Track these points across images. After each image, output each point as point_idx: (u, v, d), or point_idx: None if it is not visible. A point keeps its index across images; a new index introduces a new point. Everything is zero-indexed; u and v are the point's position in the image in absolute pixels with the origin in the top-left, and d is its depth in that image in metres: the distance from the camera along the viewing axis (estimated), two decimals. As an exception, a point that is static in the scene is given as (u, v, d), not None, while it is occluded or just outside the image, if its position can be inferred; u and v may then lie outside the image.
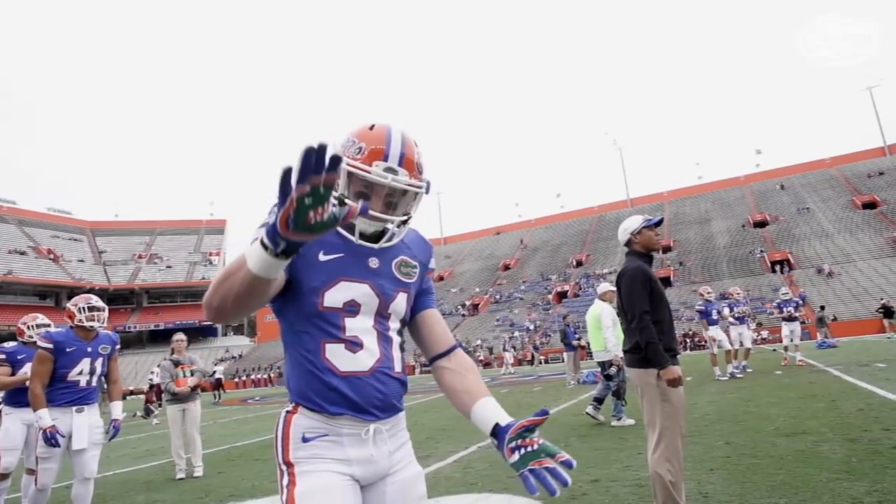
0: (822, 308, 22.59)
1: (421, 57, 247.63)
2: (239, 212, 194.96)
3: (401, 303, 1.43)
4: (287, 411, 1.36)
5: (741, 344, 11.74)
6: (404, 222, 1.40)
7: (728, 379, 10.70)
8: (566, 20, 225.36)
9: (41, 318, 4.84)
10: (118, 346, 4.19)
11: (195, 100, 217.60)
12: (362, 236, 1.37)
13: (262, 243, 1.03)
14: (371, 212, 1.32)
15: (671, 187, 65.11)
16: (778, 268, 39.67)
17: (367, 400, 1.32)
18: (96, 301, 4.00)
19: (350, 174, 1.33)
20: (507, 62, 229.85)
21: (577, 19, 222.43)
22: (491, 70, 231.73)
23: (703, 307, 11.63)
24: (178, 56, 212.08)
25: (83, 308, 3.90)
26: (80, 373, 3.87)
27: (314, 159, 0.90)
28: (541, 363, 31.59)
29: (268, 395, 26.53)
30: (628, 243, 3.30)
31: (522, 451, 1.17)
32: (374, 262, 1.39)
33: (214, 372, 29.55)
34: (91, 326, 3.91)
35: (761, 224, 48.94)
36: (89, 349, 3.92)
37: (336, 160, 0.92)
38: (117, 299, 61.56)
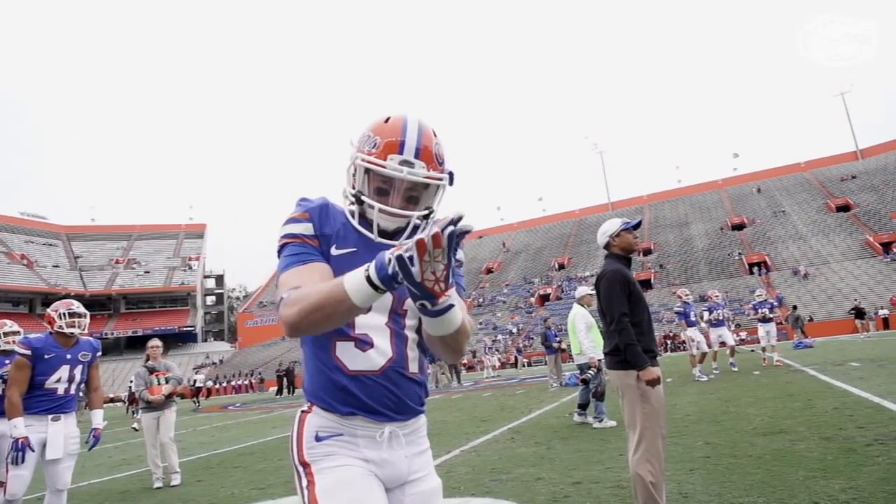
0: (795, 308, 23.08)
1: (402, 62, 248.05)
2: (219, 216, 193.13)
3: None
4: (302, 411, 1.33)
5: (721, 345, 11.90)
6: (426, 217, 1.35)
7: (707, 380, 10.83)
8: (547, 26, 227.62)
9: (10, 326, 4.72)
10: (99, 353, 4.09)
11: (174, 101, 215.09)
12: (384, 234, 1.32)
13: (372, 284, 1.04)
14: (389, 207, 1.29)
15: (651, 191, 66.05)
16: (755, 270, 40.40)
17: (379, 400, 1.27)
18: (77, 307, 3.89)
19: (368, 170, 1.30)
20: (488, 67, 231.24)
21: (558, 25, 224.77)
22: (472, 75, 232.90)
23: (681, 308, 11.79)
24: (156, 58, 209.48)
25: (64, 314, 3.79)
26: (59, 380, 3.76)
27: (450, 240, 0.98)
28: (524, 366, 31.71)
29: (249, 402, 26.19)
30: (607, 246, 3.32)
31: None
32: None
33: (195, 381, 29.15)
34: (71, 333, 3.81)
35: (739, 227, 49.81)
36: (69, 356, 3.82)
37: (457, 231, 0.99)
38: (94, 305, 60.24)
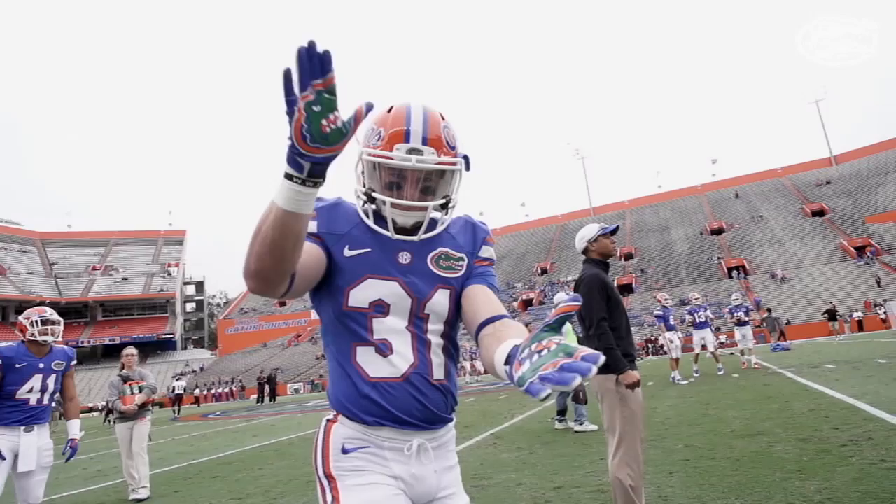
0: (769, 311, 23.51)
1: (385, 67, 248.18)
2: (199, 222, 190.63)
3: (440, 301, 1.27)
4: (328, 420, 1.28)
5: (703, 348, 12.04)
6: (444, 206, 1.26)
7: (687, 383, 10.94)
8: (529, 33, 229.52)
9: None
10: (74, 362, 3.99)
11: (153, 106, 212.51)
12: (402, 230, 1.26)
13: (287, 174, 0.97)
14: (401, 200, 1.22)
15: (632, 196, 66.74)
16: (734, 273, 41.02)
17: (404, 409, 1.20)
18: (51, 314, 3.79)
19: (376, 164, 1.22)
20: (470, 74, 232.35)
21: (540, 32, 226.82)
22: (454, 82, 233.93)
23: (661, 312, 11.93)
24: (134, 61, 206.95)
25: (36, 321, 3.69)
26: (31, 390, 3.66)
27: (309, 61, 0.85)
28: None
29: (229, 410, 25.81)
30: (585, 251, 3.34)
31: (535, 357, 0.78)
32: (404, 257, 1.26)
33: (174, 388, 28.69)
34: (44, 341, 3.70)
35: (718, 231, 50.55)
36: (41, 365, 3.72)
37: (328, 56, 0.86)
38: (70, 313, 58.93)
